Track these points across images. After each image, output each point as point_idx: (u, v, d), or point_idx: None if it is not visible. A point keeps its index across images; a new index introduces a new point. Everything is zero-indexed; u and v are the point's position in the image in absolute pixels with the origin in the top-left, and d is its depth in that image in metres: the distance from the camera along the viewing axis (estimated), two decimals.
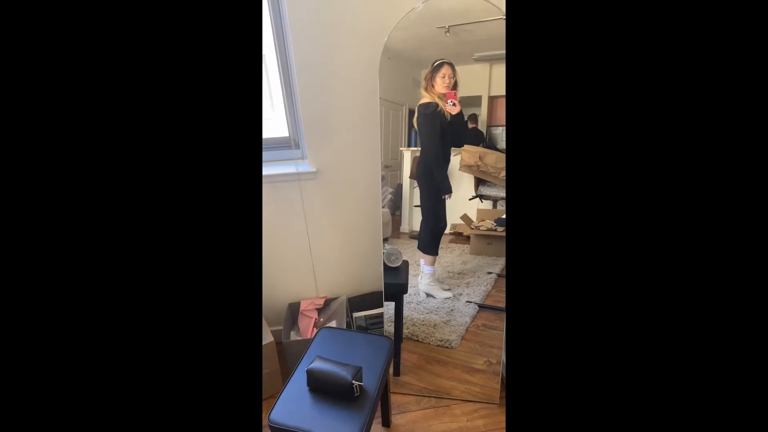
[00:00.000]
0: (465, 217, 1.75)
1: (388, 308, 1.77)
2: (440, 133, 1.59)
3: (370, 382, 1.23)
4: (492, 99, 1.63)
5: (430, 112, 1.55)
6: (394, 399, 1.78)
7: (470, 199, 1.72)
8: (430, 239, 1.76)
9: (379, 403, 1.45)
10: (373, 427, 1.66)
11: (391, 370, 1.83)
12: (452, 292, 1.83)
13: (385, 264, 1.71)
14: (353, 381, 1.14)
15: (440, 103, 1.53)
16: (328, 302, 2.02)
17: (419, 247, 1.78)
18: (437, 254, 1.77)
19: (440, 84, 1.51)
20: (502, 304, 1.73)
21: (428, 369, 1.82)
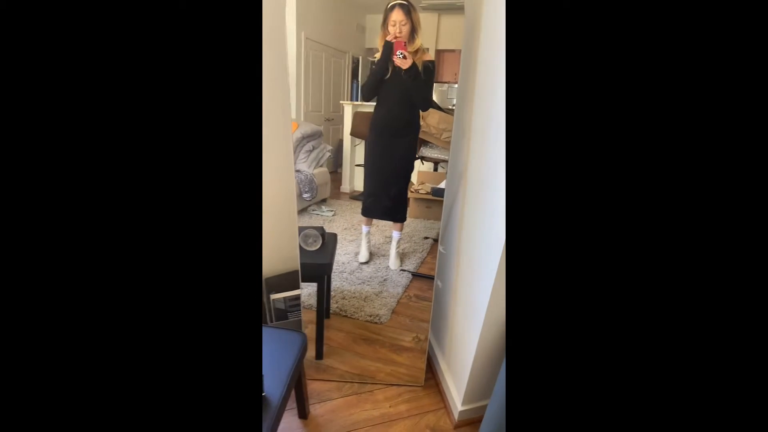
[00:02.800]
0: None
1: (310, 288, 1.59)
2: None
3: (272, 390, 1.04)
4: (439, 53, 1.55)
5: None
6: (315, 386, 1.59)
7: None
8: None
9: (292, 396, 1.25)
10: (287, 419, 1.45)
11: (313, 354, 1.64)
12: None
13: (300, 247, 1.52)
14: None
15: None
16: None
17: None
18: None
19: (391, 32, 1.33)
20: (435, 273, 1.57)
21: (353, 349, 1.63)
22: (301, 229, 1.53)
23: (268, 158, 1.56)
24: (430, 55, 1.43)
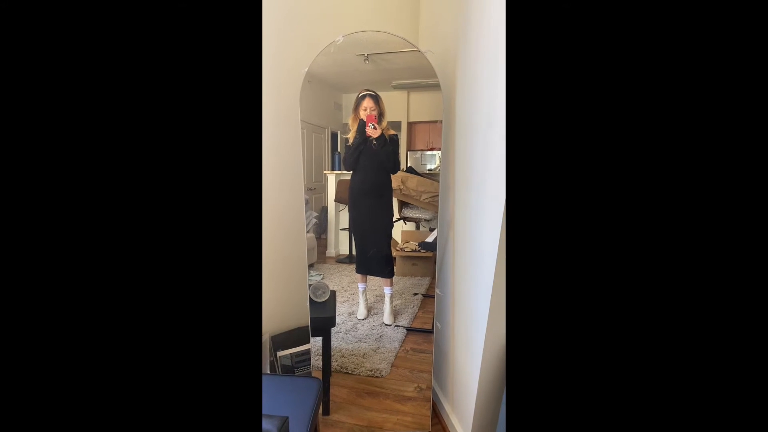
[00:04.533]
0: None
1: (315, 342, 1.66)
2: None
3: (298, 431, 1.11)
4: (411, 125, 1.72)
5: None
6: None
7: (395, 221, 1.74)
8: None
9: None
10: None
11: (320, 410, 1.69)
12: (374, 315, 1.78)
13: (311, 299, 1.62)
14: None
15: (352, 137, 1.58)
16: None
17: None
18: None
19: (363, 116, 1.57)
20: (429, 326, 1.72)
21: (359, 403, 1.71)
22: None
23: (281, 221, 1.75)
24: (394, 131, 1.63)
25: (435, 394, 1.83)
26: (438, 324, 1.72)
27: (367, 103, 1.54)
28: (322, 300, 1.61)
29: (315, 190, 1.75)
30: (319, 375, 1.70)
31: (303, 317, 1.87)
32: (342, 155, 1.66)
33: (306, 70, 1.43)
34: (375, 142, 1.56)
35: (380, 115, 1.56)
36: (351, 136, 1.56)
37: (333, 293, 1.68)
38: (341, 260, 1.82)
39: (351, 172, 1.62)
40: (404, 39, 1.41)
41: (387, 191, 1.66)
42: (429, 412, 1.66)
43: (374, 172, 1.63)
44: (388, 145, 1.61)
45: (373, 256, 1.68)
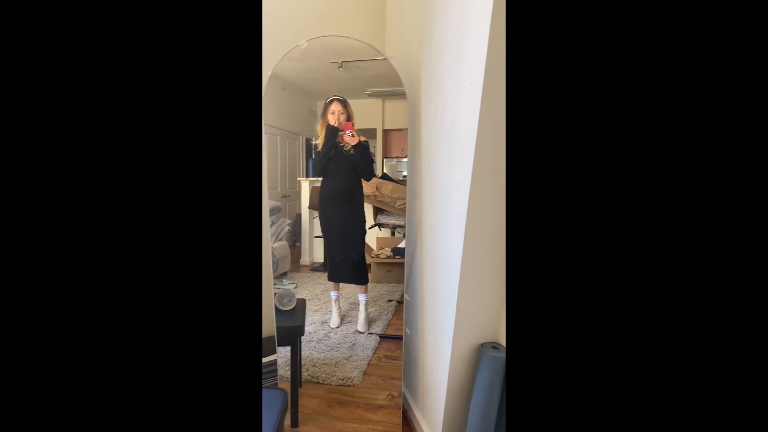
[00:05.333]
0: (365, 246, 1.75)
1: (286, 352, 1.63)
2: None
3: None
4: (386, 132, 1.73)
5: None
6: None
7: (369, 228, 1.74)
8: None
9: None
10: None
11: (288, 422, 1.65)
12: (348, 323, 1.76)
13: (276, 307, 1.59)
14: None
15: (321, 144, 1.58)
16: None
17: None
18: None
19: (331, 120, 1.57)
20: (402, 332, 1.70)
21: (329, 413, 1.68)
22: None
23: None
24: (365, 138, 1.65)
25: (406, 400, 1.80)
26: (407, 330, 1.70)
27: (335, 107, 1.54)
28: (288, 308, 1.58)
29: (289, 197, 1.75)
30: (287, 386, 1.66)
31: (268, 327, 1.82)
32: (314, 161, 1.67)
33: (269, 74, 1.43)
34: (352, 150, 1.57)
35: (348, 119, 1.58)
36: (320, 142, 1.56)
37: (302, 301, 1.66)
38: (315, 268, 1.81)
39: (322, 177, 1.62)
40: (369, 44, 1.43)
41: (358, 197, 1.66)
42: (400, 420, 1.63)
43: (345, 178, 1.64)
44: (366, 151, 1.62)
45: (342, 263, 1.67)
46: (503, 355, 1.18)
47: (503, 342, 1.26)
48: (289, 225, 1.77)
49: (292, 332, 1.57)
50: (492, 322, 1.29)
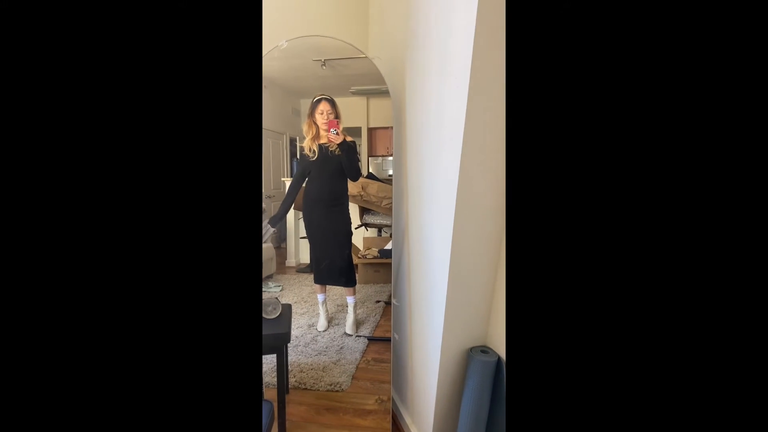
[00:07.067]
0: (352, 247, 1.72)
1: (271, 359, 1.58)
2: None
3: None
4: (371, 130, 1.70)
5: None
6: None
7: (356, 228, 1.70)
8: None
9: None
10: None
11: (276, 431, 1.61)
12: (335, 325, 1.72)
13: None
14: None
15: (308, 145, 1.53)
16: None
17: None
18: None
19: (320, 120, 1.51)
20: (390, 334, 1.67)
21: (317, 421, 1.64)
22: None
23: None
24: (352, 138, 1.60)
25: (395, 405, 1.77)
26: (396, 335, 1.67)
27: (324, 106, 1.49)
28: (273, 316, 1.53)
29: (274, 197, 1.70)
30: (274, 393, 1.61)
31: None
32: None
33: None
34: (338, 150, 1.52)
35: (336, 119, 1.52)
36: (306, 144, 1.51)
37: (288, 307, 1.61)
38: (302, 270, 1.76)
39: (307, 179, 1.57)
40: (351, 44, 1.39)
41: (343, 199, 1.61)
42: (389, 425, 1.60)
43: (330, 180, 1.59)
44: (352, 151, 1.57)
45: (328, 267, 1.63)
46: (493, 359, 1.16)
47: (492, 346, 1.24)
48: (273, 226, 1.72)
49: (277, 340, 1.52)
50: (481, 326, 1.26)
